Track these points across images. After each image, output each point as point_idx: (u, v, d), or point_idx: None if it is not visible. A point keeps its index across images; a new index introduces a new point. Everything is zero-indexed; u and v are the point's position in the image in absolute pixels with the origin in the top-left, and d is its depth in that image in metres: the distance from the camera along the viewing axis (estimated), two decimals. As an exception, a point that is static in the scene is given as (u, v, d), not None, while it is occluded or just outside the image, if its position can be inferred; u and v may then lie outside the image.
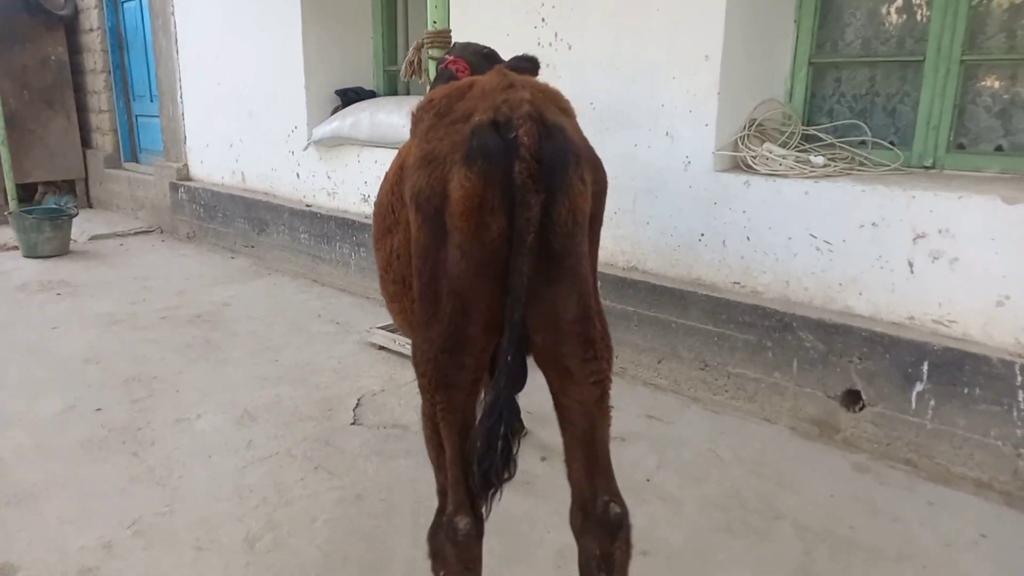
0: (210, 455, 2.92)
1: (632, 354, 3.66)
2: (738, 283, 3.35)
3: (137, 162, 8.11)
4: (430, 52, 3.08)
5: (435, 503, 2.50)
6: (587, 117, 3.65)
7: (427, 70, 3.15)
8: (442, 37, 3.06)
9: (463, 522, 1.60)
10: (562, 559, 2.33)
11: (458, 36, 4.24)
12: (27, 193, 8.20)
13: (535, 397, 3.37)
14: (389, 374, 3.69)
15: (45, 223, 6.11)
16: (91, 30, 7.87)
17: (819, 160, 3.20)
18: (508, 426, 1.50)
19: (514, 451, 1.55)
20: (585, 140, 1.60)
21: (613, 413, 3.16)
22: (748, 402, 3.29)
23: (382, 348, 4.01)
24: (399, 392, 3.49)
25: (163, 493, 2.66)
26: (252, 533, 2.44)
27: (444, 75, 2.69)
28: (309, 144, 5.39)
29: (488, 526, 2.43)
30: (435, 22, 3.05)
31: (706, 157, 3.36)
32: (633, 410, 3.35)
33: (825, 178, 3.10)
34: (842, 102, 3.54)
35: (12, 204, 6.81)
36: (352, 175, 5.18)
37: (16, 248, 6.30)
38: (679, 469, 2.85)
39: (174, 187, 6.86)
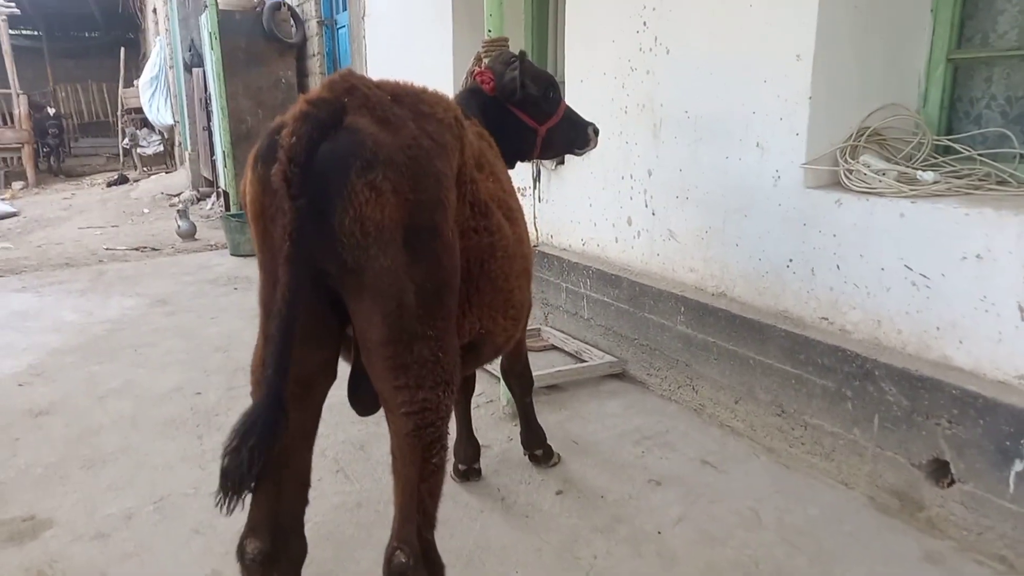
0: (256, 445, 3.11)
1: (710, 391, 3.28)
2: (826, 319, 2.86)
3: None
4: (486, 62, 3.02)
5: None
6: (682, 126, 3.40)
7: (486, 80, 3.09)
8: (498, 45, 2.98)
9: (252, 545, 1.54)
10: (512, 603, 2.15)
11: (572, 42, 4.15)
12: (260, 199, 9.42)
13: (576, 426, 3.17)
14: (480, 388, 3.60)
15: (246, 225, 6.92)
16: (313, 55, 8.83)
17: (928, 176, 2.63)
18: (260, 449, 1.37)
19: (254, 467, 1.39)
20: (414, 146, 1.45)
21: (665, 453, 2.90)
22: (824, 460, 2.79)
23: (468, 359, 3.99)
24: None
25: (198, 475, 2.88)
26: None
27: (471, 86, 2.63)
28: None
29: (459, 551, 2.35)
30: (490, 31, 3.00)
31: (795, 171, 2.92)
32: (691, 452, 3.00)
33: (927, 198, 2.54)
34: (992, 107, 2.88)
35: (234, 208, 7.85)
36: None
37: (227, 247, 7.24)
38: (700, 526, 2.49)
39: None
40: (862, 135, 2.92)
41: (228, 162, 7.76)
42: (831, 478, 2.74)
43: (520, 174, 4.71)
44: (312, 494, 2.67)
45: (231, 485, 1.38)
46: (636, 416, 3.35)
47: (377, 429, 3.25)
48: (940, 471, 2.41)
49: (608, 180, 3.98)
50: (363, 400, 1.67)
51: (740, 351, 3.11)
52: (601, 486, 2.76)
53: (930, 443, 2.42)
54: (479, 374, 3.72)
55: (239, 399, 3.58)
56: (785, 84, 2.91)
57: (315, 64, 8.79)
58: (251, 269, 6.42)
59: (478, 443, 2.81)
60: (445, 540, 2.43)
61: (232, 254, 7.01)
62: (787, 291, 3.01)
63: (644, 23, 3.60)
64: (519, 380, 2.86)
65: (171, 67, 12.76)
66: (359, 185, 1.35)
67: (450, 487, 2.74)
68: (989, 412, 2.24)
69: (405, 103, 1.55)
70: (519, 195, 5.06)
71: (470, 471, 2.78)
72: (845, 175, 2.81)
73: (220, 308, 5.22)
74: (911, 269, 2.54)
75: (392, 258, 1.40)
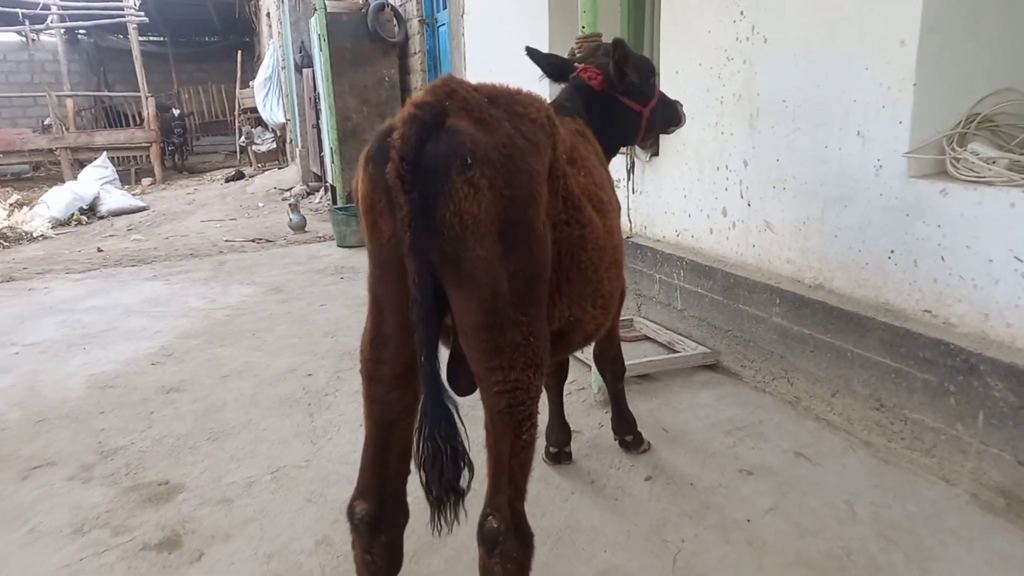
0: (361, 423, 3.30)
1: (806, 383, 3.25)
2: (929, 311, 2.78)
3: (444, 167, 9.18)
4: (579, 56, 3.09)
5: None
6: (779, 116, 3.39)
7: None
8: (591, 41, 3.04)
9: (360, 507, 1.68)
10: (600, 580, 2.23)
11: (668, 34, 4.15)
12: (365, 193, 9.81)
13: (667, 415, 3.19)
14: (572, 376, 3.70)
15: (352, 218, 7.27)
16: (414, 53, 9.11)
17: (1042, 164, 2.52)
18: (441, 430, 1.50)
19: (458, 458, 1.52)
20: (509, 144, 1.55)
21: (757, 444, 2.93)
22: (925, 455, 2.72)
23: (561, 348, 4.09)
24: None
25: (310, 450, 3.10)
26: (354, 496, 2.74)
27: (576, 82, 2.70)
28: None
29: (549, 530, 2.46)
30: (584, 27, 3.06)
31: (898, 160, 2.85)
32: (784, 444, 2.99)
33: (1040, 187, 2.43)
34: (1121, 89, 2.72)
35: (340, 202, 8.23)
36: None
37: (334, 239, 7.61)
38: (792, 516, 2.49)
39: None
40: (971, 122, 2.81)
41: (335, 158, 8.14)
42: (932, 474, 2.68)
43: (615, 166, 4.76)
44: (415, 468, 2.87)
45: (450, 489, 1.52)
46: (728, 407, 3.35)
47: (470, 412, 3.39)
48: None
49: (703, 171, 3.97)
50: (460, 382, 1.79)
51: (838, 343, 3.07)
52: (691, 474, 2.79)
53: (1040, 441, 2.33)
54: (571, 362, 3.80)
55: (347, 380, 3.81)
56: (888, 71, 2.84)
57: (416, 62, 9.07)
58: (357, 260, 6.75)
59: (569, 428, 2.91)
60: (536, 519, 2.52)
61: (339, 245, 7.37)
62: (888, 283, 2.94)
63: (741, 12, 3.57)
64: (611, 367, 2.93)
65: (283, 68, 13.42)
66: (459, 182, 1.46)
67: (542, 469, 2.85)
68: (1104, 410, 2.14)
69: (500, 104, 1.64)
70: (616, 186, 5.09)
71: (561, 454, 2.87)
72: (952, 164, 2.72)
73: (328, 296, 5.52)
74: (1022, 261, 2.44)
75: (488, 249, 1.50)
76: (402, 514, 1.77)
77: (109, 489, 2.86)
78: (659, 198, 4.40)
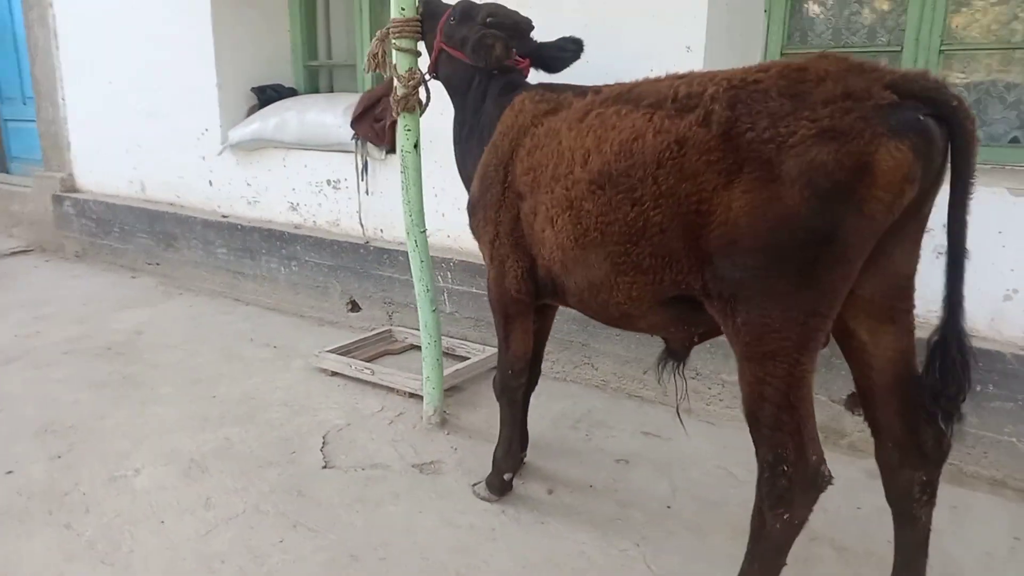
0: (162, 520, 2.47)
1: (613, 366, 3.45)
2: (726, 286, 3.19)
3: (7, 172, 7.21)
4: (395, 43, 2.74)
5: (440, 555, 2.30)
6: (553, 114, 3.41)
7: (393, 63, 2.80)
8: (410, 27, 2.72)
9: (827, 469, 1.94)
10: (605, 612, 2.07)
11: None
12: None
13: (539, 427, 3.10)
14: (351, 404, 3.30)
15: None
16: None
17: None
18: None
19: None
20: None
21: (606, 432, 2.98)
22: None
23: (335, 374, 3.60)
24: (367, 425, 3.12)
25: (112, 572, 2.20)
26: (233, 616, 2.04)
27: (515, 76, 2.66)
28: (224, 148, 4.86)
29: (506, 573, 2.18)
30: (403, 9, 2.71)
31: (688, 155, 3.18)
32: (627, 427, 3.13)
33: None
34: (812, 96, 3.45)
35: None
36: (277, 181, 4.71)
37: None
38: (695, 492, 2.65)
39: (58, 200, 6.08)
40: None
41: None
42: (755, 426, 3.09)
43: (337, 166, 4.34)
44: (285, 556, 2.28)
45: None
46: (551, 402, 3.34)
47: (296, 469, 2.80)
48: (856, 402, 2.88)
49: (458, 169, 3.86)
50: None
51: (646, 325, 3.31)
52: (579, 476, 2.75)
53: (848, 380, 2.87)
54: (380, 389, 3.39)
55: (77, 468, 2.79)
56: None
57: (-50, 34, 6.88)
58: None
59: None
60: (481, 570, 2.23)
61: None
62: (683, 265, 3.27)
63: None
64: None
65: None
66: None
67: (443, 516, 2.50)
68: (902, 347, 2.74)
69: None
70: (335, 188, 4.66)
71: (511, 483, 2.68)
72: (736, 156, 3.14)
73: (-67, 358, 3.91)
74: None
75: None
76: None
77: None
78: (399, 198, 4.15)
